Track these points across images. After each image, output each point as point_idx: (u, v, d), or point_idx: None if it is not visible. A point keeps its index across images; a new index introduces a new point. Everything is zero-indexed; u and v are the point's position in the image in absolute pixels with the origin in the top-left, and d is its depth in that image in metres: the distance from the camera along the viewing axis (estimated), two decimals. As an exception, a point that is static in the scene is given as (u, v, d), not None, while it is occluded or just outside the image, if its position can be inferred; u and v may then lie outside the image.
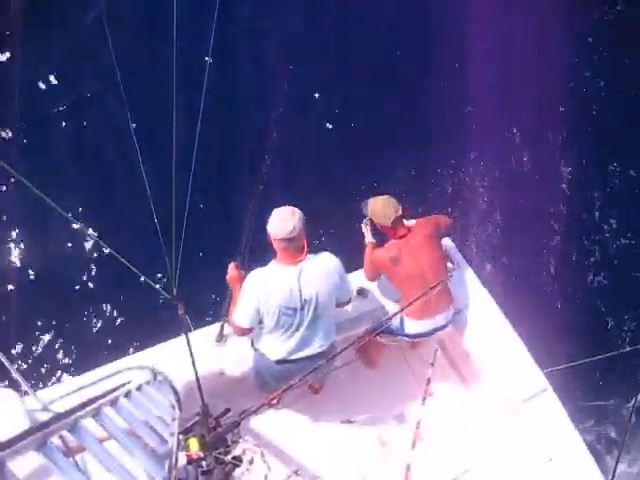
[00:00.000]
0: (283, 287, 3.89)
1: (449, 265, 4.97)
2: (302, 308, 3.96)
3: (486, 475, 4.62)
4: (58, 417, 1.86)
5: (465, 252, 5.26)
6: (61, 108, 7.47)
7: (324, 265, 4.01)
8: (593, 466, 4.22)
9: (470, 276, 5.05)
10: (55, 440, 1.74)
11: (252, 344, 4.34)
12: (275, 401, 4.83)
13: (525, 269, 7.34)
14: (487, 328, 4.82)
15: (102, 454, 1.95)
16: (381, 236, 4.65)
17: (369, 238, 4.70)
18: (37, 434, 1.57)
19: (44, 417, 2.33)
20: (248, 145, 6.96)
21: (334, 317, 4.25)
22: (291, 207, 3.89)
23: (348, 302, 4.33)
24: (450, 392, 5.11)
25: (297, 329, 4.05)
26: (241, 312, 4.00)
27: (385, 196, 4.55)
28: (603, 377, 6.54)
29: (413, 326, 4.56)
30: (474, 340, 4.87)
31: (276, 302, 3.90)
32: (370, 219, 4.63)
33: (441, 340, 5.01)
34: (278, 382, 4.10)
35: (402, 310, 4.03)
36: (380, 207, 4.49)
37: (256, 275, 3.99)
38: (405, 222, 4.55)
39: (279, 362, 4.17)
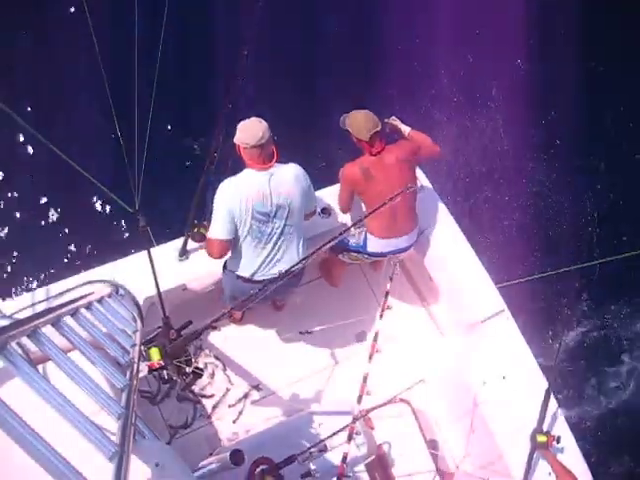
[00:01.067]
0: (255, 190, 3.92)
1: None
2: (275, 215, 3.98)
3: (440, 387, 4.76)
4: (17, 323, 1.86)
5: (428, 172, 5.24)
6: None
7: (293, 171, 4.06)
8: (544, 383, 4.36)
9: (433, 196, 5.07)
10: (15, 346, 1.75)
11: (224, 265, 4.36)
12: (238, 315, 4.92)
13: (487, 188, 7.41)
14: (447, 249, 4.87)
15: (64, 362, 1.96)
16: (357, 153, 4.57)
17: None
18: (-2, 337, 1.58)
19: (3, 324, 2.32)
20: (221, 61, 6.82)
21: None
22: (255, 117, 3.91)
23: (313, 213, 4.37)
24: (408, 308, 5.23)
25: (270, 239, 4.07)
26: (217, 224, 4.00)
27: (365, 110, 4.44)
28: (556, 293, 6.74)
29: (376, 244, 4.59)
30: (434, 260, 4.93)
31: (249, 205, 3.91)
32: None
33: (401, 258, 5.07)
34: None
35: (361, 221, 4.00)
36: (360, 120, 4.36)
37: (227, 183, 4.00)
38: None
39: (248, 281, 4.19)
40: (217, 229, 4.00)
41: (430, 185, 5.11)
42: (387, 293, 4.02)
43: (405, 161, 4.47)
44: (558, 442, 4.02)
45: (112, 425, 1.88)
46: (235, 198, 3.93)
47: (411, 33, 7.94)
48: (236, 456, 2.21)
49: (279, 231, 4.06)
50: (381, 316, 4.04)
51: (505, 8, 7.83)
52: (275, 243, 4.10)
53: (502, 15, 7.93)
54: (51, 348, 1.95)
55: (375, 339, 3.90)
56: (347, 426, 3.74)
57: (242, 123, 3.93)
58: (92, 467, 1.47)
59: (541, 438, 3.97)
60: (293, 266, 3.53)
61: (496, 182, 7.42)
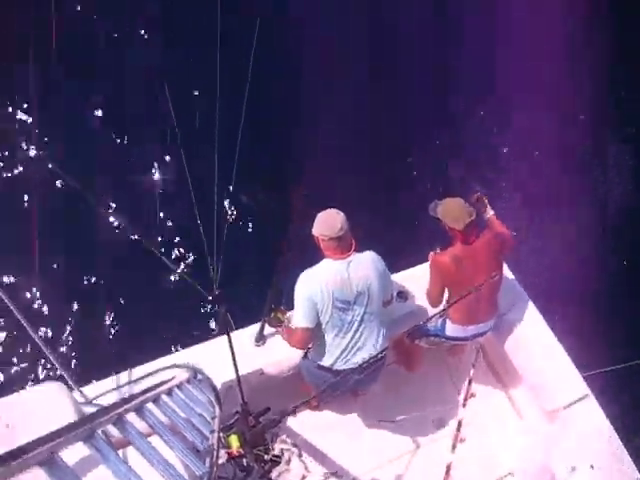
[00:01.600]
0: (333, 276, 3.96)
1: None
2: (355, 302, 4.00)
3: (526, 477, 4.57)
4: (104, 411, 1.91)
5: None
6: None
7: (369, 256, 4.09)
8: (634, 473, 4.17)
9: (511, 279, 5.01)
10: (100, 433, 1.79)
11: (304, 354, 4.37)
12: (315, 402, 4.88)
13: (567, 271, 7.23)
14: (527, 332, 4.78)
15: (145, 448, 1.99)
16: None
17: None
18: (85, 426, 1.62)
19: (90, 411, 2.38)
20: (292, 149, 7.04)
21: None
22: (333, 209, 4.00)
23: (390, 301, 4.33)
24: (490, 395, 5.08)
25: (350, 327, 4.06)
26: (299, 312, 4.01)
27: (458, 198, 4.33)
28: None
29: (454, 329, 4.53)
30: (514, 344, 4.83)
31: (329, 290, 3.94)
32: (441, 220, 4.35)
33: (481, 343, 4.98)
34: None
35: (445, 310, 4.04)
36: (455, 210, 4.25)
37: (306, 273, 4.07)
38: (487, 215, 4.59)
39: (328, 370, 4.18)
40: (299, 317, 4.01)
41: (508, 269, 5.05)
42: (470, 380, 3.95)
43: (496, 254, 4.39)
44: None
45: None
46: (315, 285, 3.97)
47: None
48: None
49: (359, 319, 4.06)
50: (464, 405, 3.96)
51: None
52: (356, 331, 4.09)
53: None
54: (134, 435, 1.98)
55: (459, 428, 3.81)
56: None
57: (320, 215, 4.03)
58: None
59: None
60: (375, 356, 3.53)
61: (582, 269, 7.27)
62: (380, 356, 4.00)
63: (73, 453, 1.45)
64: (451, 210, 4.25)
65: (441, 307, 4.41)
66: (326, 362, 4.17)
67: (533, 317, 4.83)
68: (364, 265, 4.03)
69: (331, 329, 4.06)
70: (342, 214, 3.97)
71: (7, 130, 7.34)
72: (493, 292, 4.41)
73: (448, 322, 4.51)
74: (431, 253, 4.45)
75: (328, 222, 3.95)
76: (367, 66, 8.02)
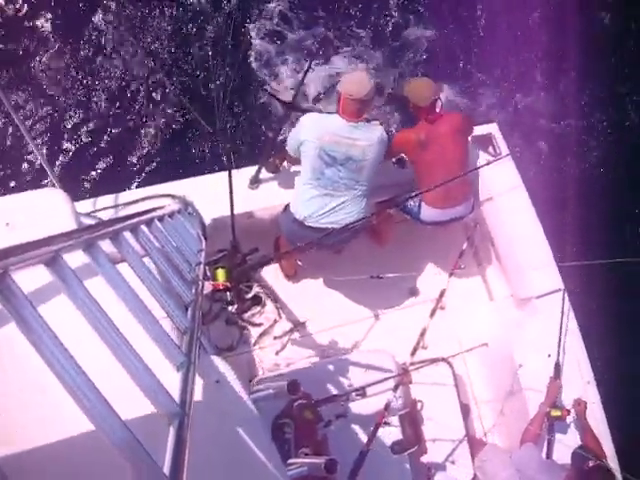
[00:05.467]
0: (332, 133, 4.00)
1: (490, 151, 4.97)
2: (342, 163, 4.02)
3: (484, 355, 4.74)
4: (103, 224, 1.92)
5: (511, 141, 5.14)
6: None
7: (378, 134, 4.10)
8: (587, 366, 4.35)
9: (509, 165, 4.97)
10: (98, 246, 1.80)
11: (285, 206, 4.41)
12: (291, 271, 4.97)
13: (563, 168, 7.22)
14: (515, 219, 4.80)
15: (138, 265, 2.02)
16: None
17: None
18: (86, 235, 1.63)
19: (88, 222, 2.40)
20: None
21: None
22: (365, 72, 3.96)
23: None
24: (467, 274, 5.17)
25: (330, 184, 4.11)
26: (290, 134, 4.21)
27: (425, 78, 4.56)
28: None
29: (430, 214, 4.58)
30: (499, 228, 4.87)
31: (319, 140, 4.00)
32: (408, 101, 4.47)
33: (468, 224, 5.04)
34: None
35: (421, 193, 4.20)
36: (420, 87, 4.41)
37: (311, 116, 4.15)
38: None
39: (301, 225, 4.24)
40: (289, 140, 4.21)
41: (508, 152, 5.01)
42: (462, 253, 4.03)
43: (460, 132, 4.50)
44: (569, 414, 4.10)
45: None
46: (309, 131, 4.04)
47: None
48: (293, 386, 2.26)
49: (342, 182, 4.10)
50: (450, 274, 4.05)
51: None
52: (335, 191, 4.14)
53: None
54: (130, 252, 2.01)
55: (441, 295, 3.93)
56: (395, 375, 3.81)
57: (350, 74, 4.02)
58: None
59: (555, 412, 4.05)
60: (350, 224, 3.58)
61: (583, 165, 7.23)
62: (355, 224, 4.09)
63: (71, 261, 1.45)
64: (417, 87, 4.42)
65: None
66: (300, 214, 4.22)
67: (523, 205, 4.83)
68: (368, 137, 4.05)
69: (311, 177, 4.12)
70: (372, 80, 3.99)
71: None
72: (461, 170, 4.44)
73: (423, 205, 4.55)
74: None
75: (357, 83, 3.96)
76: None
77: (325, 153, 4.02)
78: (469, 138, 4.74)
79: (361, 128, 4.03)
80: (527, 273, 4.66)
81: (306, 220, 4.20)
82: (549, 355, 4.37)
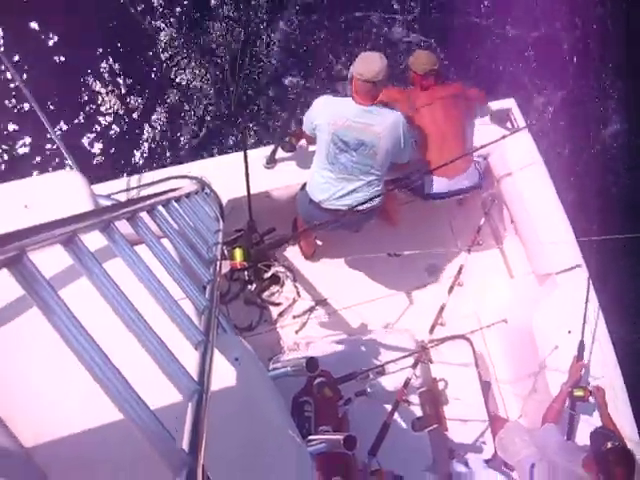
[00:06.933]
0: (344, 118, 3.94)
1: (508, 125, 4.95)
2: (355, 149, 3.98)
3: (505, 331, 4.72)
4: (118, 205, 1.93)
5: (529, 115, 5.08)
6: None
7: (393, 118, 4.02)
8: (607, 342, 4.32)
9: (527, 139, 4.92)
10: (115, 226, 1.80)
11: (302, 185, 4.40)
12: (310, 250, 4.98)
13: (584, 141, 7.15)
14: (533, 194, 4.75)
15: (157, 248, 2.02)
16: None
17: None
18: (103, 216, 1.63)
19: (105, 204, 2.40)
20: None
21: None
22: (379, 53, 3.90)
23: (404, 166, 4.39)
24: (486, 250, 5.13)
25: (344, 169, 4.08)
26: (305, 117, 4.17)
27: (427, 50, 4.76)
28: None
29: (432, 185, 4.59)
30: (518, 204, 4.83)
31: (332, 125, 3.96)
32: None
33: (485, 200, 5.01)
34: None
35: (433, 169, 4.33)
36: (419, 56, 4.60)
37: (325, 99, 4.11)
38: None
39: (318, 207, 4.24)
40: (304, 124, 4.19)
41: (526, 127, 4.96)
42: (479, 228, 4.00)
43: (454, 97, 4.59)
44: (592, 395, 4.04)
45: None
46: (322, 115, 4.00)
47: None
48: (311, 363, 2.26)
49: (357, 166, 4.07)
50: (469, 250, 4.03)
51: None
52: (350, 175, 4.11)
53: None
54: (146, 232, 2.01)
55: (460, 272, 3.92)
56: (414, 353, 3.81)
57: (363, 54, 3.94)
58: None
59: (578, 392, 4.00)
60: (363, 205, 3.55)
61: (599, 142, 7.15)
62: (370, 206, 4.11)
63: (88, 243, 1.46)
64: (417, 57, 4.61)
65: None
66: (316, 197, 4.22)
67: (542, 180, 4.78)
68: (382, 121, 3.98)
69: (326, 162, 4.09)
70: (385, 61, 3.89)
71: None
72: (457, 139, 4.55)
73: (425, 178, 4.57)
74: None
75: (368, 63, 3.86)
76: None
77: (338, 138, 3.98)
78: (469, 110, 4.80)
79: (374, 112, 3.96)
80: (547, 249, 4.62)
81: (322, 203, 4.20)
82: (569, 332, 4.34)
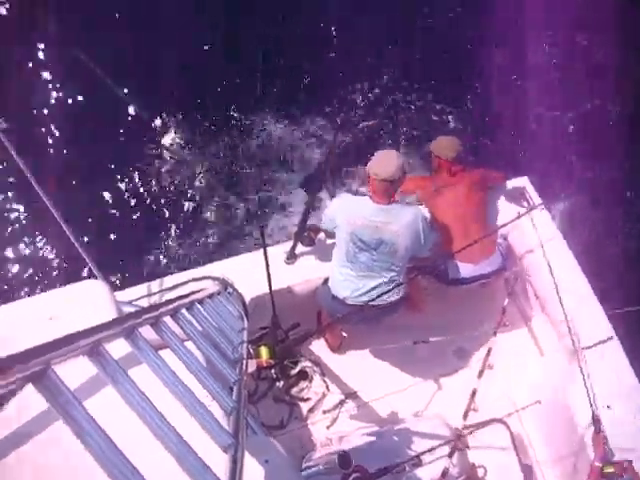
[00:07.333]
0: (363, 219, 3.97)
1: (524, 204, 4.99)
2: (375, 248, 4.00)
3: (540, 411, 4.61)
4: (142, 311, 1.95)
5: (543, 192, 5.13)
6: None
7: (411, 215, 4.04)
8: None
9: (544, 217, 4.94)
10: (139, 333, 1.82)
11: (325, 280, 4.42)
12: (336, 342, 4.97)
13: (601, 210, 7.14)
14: (556, 269, 4.73)
15: (182, 352, 2.03)
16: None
17: None
18: (126, 323, 1.65)
19: (129, 311, 2.42)
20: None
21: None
22: (395, 151, 3.96)
23: (424, 259, 4.39)
24: (513, 329, 5.05)
25: (365, 267, 4.09)
26: (324, 217, 4.24)
27: (450, 136, 4.85)
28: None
29: (456, 269, 4.58)
30: (542, 279, 4.79)
31: (349, 229, 3.98)
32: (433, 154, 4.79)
33: (509, 279, 4.98)
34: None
35: (451, 255, 4.30)
36: (445, 142, 4.71)
37: (343, 198, 4.18)
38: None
39: (342, 303, 4.23)
40: (323, 217, 4.26)
41: (542, 202, 4.99)
42: (504, 309, 3.97)
43: (475, 183, 4.68)
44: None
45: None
46: (340, 214, 4.05)
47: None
48: (344, 459, 2.21)
49: (377, 264, 4.08)
50: (495, 333, 3.99)
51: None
52: (371, 272, 4.11)
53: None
54: (171, 337, 2.02)
55: (488, 354, 3.86)
56: (449, 441, 3.71)
57: (379, 153, 3.99)
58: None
59: (608, 469, 3.81)
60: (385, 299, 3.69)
61: (609, 206, 7.15)
62: (394, 299, 4.11)
63: (112, 350, 1.48)
64: (441, 142, 4.75)
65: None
66: (339, 294, 4.22)
67: (564, 254, 4.77)
68: (400, 219, 3.99)
69: (345, 260, 4.11)
70: (402, 159, 3.93)
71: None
72: (480, 224, 4.59)
73: (449, 263, 4.57)
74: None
75: (384, 162, 3.89)
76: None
77: (357, 238, 4.00)
78: (491, 193, 4.88)
79: (392, 211, 3.98)
80: (575, 324, 4.55)
81: (346, 299, 4.20)
82: (608, 406, 4.23)
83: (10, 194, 6.64)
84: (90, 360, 1.37)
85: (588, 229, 6.81)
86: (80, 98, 7.15)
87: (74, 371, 1.35)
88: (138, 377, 1.50)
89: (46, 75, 7.21)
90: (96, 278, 3.21)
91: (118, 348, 1.59)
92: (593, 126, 7.59)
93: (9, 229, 6.56)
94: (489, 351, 4.01)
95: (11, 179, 6.65)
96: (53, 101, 7.15)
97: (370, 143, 6.66)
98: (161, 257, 6.46)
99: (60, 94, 7.16)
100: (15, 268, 6.42)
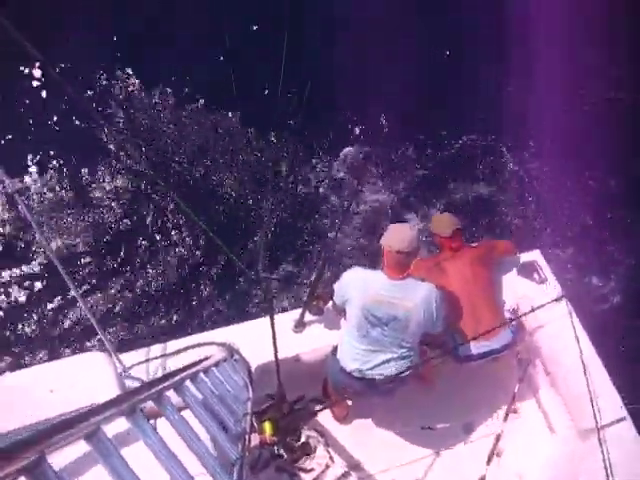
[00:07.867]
0: (375, 293, 3.92)
1: (535, 277, 4.96)
2: (387, 323, 3.95)
3: None
4: (146, 387, 1.92)
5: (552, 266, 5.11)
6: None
7: (424, 291, 3.98)
8: None
9: (554, 290, 4.90)
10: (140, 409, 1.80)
11: (333, 350, 4.36)
12: (342, 413, 4.90)
13: (613, 286, 7.09)
14: (567, 347, 4.67)
15: (181, 425, 2.00)
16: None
17: None
18: (128, 401, 1.63)
19: (130, 383, 2.40)
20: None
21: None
22: (408, 223, 3.96)
23: (438, 336, 4.31)
24: (523, 408, 4.98)
25: (375, 342, 4.03)
26: (335, 290, 4.16)
27: (446, 213, 4.94)
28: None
29: (467, 347, 4.49)
30: (553, 358, 4.74)
31: (362, 300, 3.93)
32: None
33: (519, 353, 4.92)
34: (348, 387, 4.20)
35: (473, 339, 4.19)
36: (443, 219, 4.76)
37: (357, 272, 4.10)
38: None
39: (348, 375, 4.17)
40: (335, 291, 4.18)
41: (552, 277, 4.96)
42: (514, 396, 3.89)
43: (480, 257, 4.64)
44: None
45: None
46: (352, 289, 4.01)
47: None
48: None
49: (388, 339, 4.02)
50: (505, 418, 3.90)
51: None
52: (382, 347, 4.05)
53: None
54: (172, 412, 1.99)
55: (497, 440, 3.77)
56: None
57: (393, 225, 3.98)
58: None
59: None
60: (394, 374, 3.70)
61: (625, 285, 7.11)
62: (403, 375, 4.01)
63: (114, 428, 1.45)
64: (439, 220, 4.80)
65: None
66: (347, 366, 4.15)
67: (575, 332, 4.72)
68: (414, 296, 3.94)
69: (356, 333, 4.05)
70: (416, 231, 3.94)
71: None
72: (488, 300, 4.51)
73: (457, 338, 4.50)
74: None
75: (398, 234, 3.87)
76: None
77: (369, 313, 3.94)
78: (500, 267, 4.80)
79: (406, 286, 3.93)
80: (587, 402, 4.46)
81: (353, 372, 4.14)
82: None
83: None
84: (89, 444, 1.33)
85: (600, 303, 6.75)
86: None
87: (71, 453, 1.32)
88: (137, 455, 1.47)
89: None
90: (96, 340, 3.19)
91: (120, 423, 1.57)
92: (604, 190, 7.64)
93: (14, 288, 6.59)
94: (498, 437, 3.91)
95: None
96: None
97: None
98: (168, 322, 6.43)
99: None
100: (20, 328, 6.42)
